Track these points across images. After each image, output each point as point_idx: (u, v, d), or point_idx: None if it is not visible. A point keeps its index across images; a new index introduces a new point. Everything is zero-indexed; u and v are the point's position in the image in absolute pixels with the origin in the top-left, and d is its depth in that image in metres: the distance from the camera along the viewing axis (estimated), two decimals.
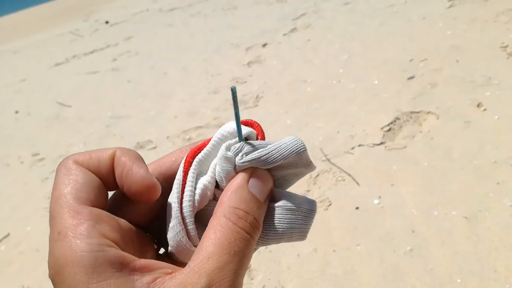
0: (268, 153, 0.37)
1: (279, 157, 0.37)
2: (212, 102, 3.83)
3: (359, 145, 2.53)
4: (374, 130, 2.61)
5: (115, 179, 0.37)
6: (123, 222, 0.36)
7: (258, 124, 0.41)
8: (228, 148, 0.38)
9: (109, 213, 0.35)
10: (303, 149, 0.38)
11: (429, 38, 3.74)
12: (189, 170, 0.38)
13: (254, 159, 0.37)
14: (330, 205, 2.13)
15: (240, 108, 3.55)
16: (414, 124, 2.58)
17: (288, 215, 0.37)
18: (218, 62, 4.94)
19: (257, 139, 0.40)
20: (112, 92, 4.93)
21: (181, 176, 0.38)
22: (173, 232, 0.37)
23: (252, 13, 6.73)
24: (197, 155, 0.39)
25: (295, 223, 0.37)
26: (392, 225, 1.90)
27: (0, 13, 23.72)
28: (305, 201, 0.38)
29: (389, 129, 2.59)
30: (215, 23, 6.92)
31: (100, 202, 0.35)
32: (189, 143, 3.26)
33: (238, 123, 0.38)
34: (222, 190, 0.38)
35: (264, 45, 5.04)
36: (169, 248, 0.38)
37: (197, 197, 0.38)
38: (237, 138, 0.39)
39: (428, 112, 2.63)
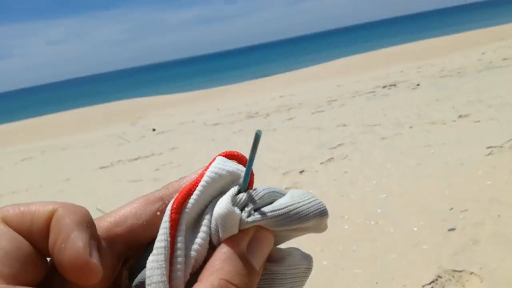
0: (284, 213, 0.32)
1: (296, 220, 0.32)
2: None
3: None
4: (415, 287, 2.53)
5: None
6: None
7: (243, 156, 0.36)
8: (233, 200, 0.32)
9: None
10: (325, 214, 0.34)
11: (468, 186, 3.76)
12: (176, 232, 0.31)
13: (264, 219, 0.31)
14: None
15: None
16: (457, 284, 2.49)
17: (289, 279, 0.33)
18: (256, 184, 5.07)
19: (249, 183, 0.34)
20: None
21: (167, 243, 0.30)
22: None
23: (291, 137, 7.04)
24: (183, 207, 0.32)
25: (295, 285, 0.34)
26: None
27: (52, 111, 25.79)
28: (303, 258, 0.35)
29: None
30: None
31: (31, 276, 0.28)
32: None
33: (249, 169, 0.34)
34: (214, 247, 0.32)
35: (301, 171, 5.18)
36: None
37: (189, 270, 0.31)
38: (235, 187, 0.34)
39: (471, 273, 2.55)
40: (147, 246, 0.33)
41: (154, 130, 10.56)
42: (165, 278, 0.29)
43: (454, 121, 5.90)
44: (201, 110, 13.63)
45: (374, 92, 9.96)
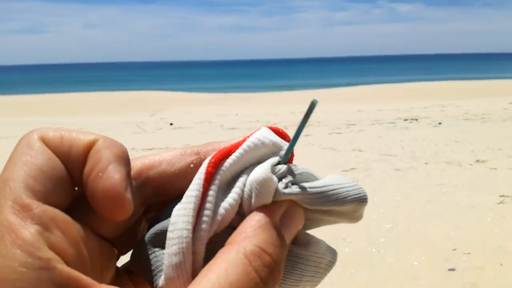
0: (321, 192, 0.30)
1: (333, 201, 0.30)
2: None
3: None
4: None
5: None
6: (84, 230, 0.28)
7: (288, 135, 0.34)
8: (272, 169, 0.30)
9: (68, 217, 0.27)
10: (365, 201, 0.31)
11: (475, 230, 3.73)
12: (209, 186, 0.30)
13: (301, 193, 0.30)
14: None
15: None
16: None
17: (311, 267, 0.31)
18: None
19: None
20: None
21: (199, 193, 0.29)
22: (174, 260, 0.29)
23: (304, 154, 7.05)
24: (221, 164, 0.31)
25: (316, 276, 0.32)
26: None
27: (76, 90, 26.19)
28: (328, 251, 0.33)
29: None
30: None
31: (60, 200, 0.27)
32: None
33: (295, 140, 0.32)
34: (243, 215, 0.30)
35: None
36: (161, 280, 0.30)
37: (214, 227, 0.29)
38: (276, 157, 0.32)
39: None
40: (174, 199, 0.32)
41: (171, 124, 10.68)
42: (190, 227, 0.28)
43: (471, 164, 5.86)
44: (220, 112, 13.74)
45: (394, 123, 9.94)
